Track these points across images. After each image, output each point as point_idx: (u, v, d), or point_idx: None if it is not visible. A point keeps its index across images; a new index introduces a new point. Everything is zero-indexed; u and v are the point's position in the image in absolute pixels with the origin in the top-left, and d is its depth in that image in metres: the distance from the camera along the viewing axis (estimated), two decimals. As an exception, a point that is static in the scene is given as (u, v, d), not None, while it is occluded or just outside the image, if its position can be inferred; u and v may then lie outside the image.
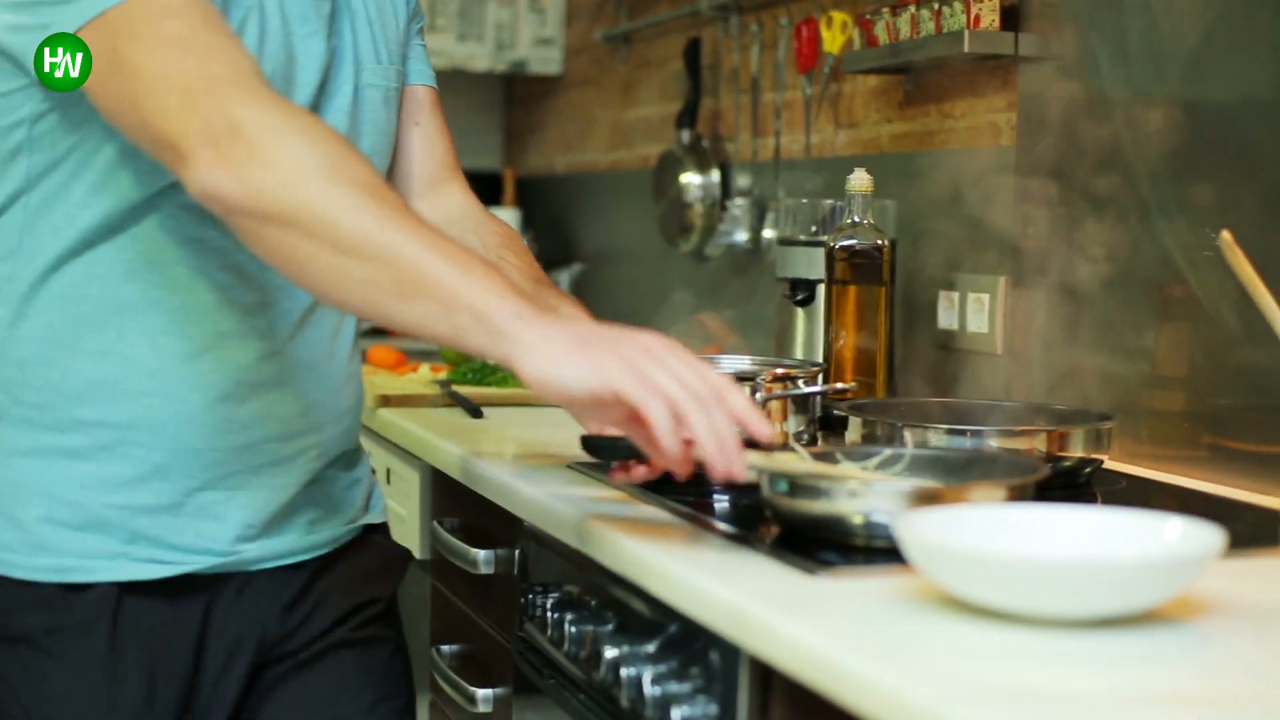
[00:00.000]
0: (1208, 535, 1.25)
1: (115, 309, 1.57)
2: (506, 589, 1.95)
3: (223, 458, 1.61)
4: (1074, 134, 2.18)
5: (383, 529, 1.83)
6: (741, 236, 3.11)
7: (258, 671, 1.69)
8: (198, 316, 1.59)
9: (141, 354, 1.57)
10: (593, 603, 1.64)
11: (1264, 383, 1.83)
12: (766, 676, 1.32)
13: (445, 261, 1.37)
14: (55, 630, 1.57)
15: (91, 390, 1.57)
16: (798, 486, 1.45)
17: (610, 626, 1.58)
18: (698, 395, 1.34)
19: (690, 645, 1.41)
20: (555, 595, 1.72)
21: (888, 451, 1.59)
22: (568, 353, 1.34)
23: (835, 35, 2.73)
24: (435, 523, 2.20)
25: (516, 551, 1.87)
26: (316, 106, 1.65)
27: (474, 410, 2.42)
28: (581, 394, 1.34)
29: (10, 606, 1.58)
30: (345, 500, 1.76)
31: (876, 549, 1.39)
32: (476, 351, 1.38)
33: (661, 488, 1.68)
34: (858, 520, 1.41)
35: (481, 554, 1.99)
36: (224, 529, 1.62)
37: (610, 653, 1.51)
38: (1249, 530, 1.60)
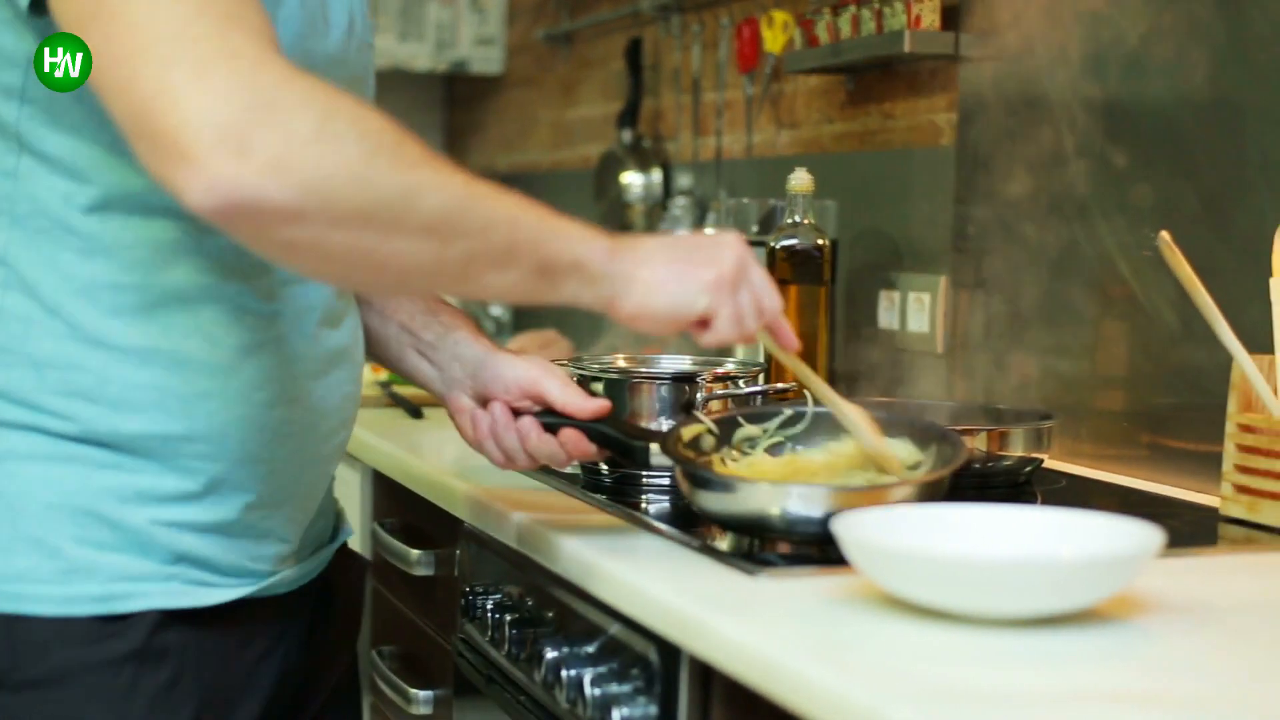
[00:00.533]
0: (1146, 534, 1.25)
1: (159, 300, 1.31)
2: (447, 590, 1.94)
3: (278, 468, 1.39)
4: (1014, 134, 2.19)
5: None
6: (683, 236, 3.11)
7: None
8: (255, 303, 1.35)
9: (195, 352, 1.32)
10: (532, 604, 1.63)
11: (1202, 382, 1.84)
12: (707, 677, 1.31)
13: (531, 218, 1.26)
14: (97, 665, 1.30)
15: (135, 397, 1.30)
16: (713, 483, 1.45)
17: (550, 627, 1.57)
18: (758, 312, 1.37)
19: (630, 646, 1.40)
20: (495, 596, 1.71)
21: (789, 411, 1.58)
22: (670, 278, 1.32)
23: (776, 35, 2.73)
24: (376, 524, 2.19)
25: (456, 552, 1.86)
26: (345, 59, 1.43)
27: (414, 411, 2.41)
28: (690, 318, 1.34)
29: (34, 647, 1.30)
30: (332, 508, 1.59)
31: (802, 548, 1.38)
32: (566, 301, 1.29)
33: (601, 488, 1.67)
34: (775, 512, 1.40)
35: (421, 555, 1.98)
36: (266, 549, 1.40)
37: (550, 654, 1.50)
38: (1187, 528, 1.61)
